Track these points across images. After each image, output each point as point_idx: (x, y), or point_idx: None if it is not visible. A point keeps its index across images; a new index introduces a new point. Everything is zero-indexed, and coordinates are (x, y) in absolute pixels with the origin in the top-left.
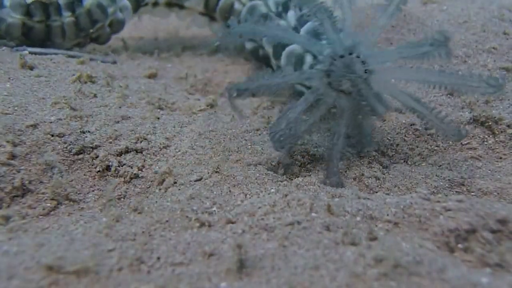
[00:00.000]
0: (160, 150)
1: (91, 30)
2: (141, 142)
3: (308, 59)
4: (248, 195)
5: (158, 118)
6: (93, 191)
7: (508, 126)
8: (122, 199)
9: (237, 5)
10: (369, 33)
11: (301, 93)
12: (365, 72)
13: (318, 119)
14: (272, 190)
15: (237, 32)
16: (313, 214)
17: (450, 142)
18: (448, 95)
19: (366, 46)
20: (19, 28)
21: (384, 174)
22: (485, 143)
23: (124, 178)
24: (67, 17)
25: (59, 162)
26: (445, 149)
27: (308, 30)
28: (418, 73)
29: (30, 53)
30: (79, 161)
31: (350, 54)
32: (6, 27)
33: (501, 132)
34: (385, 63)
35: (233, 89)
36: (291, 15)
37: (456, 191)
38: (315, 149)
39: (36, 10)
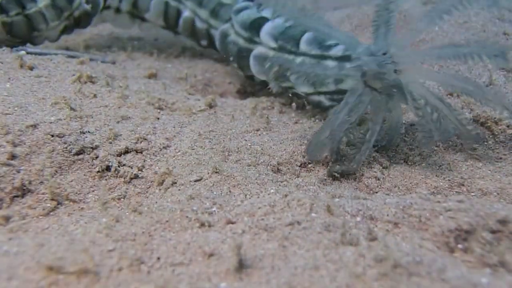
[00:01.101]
0: (160, 150)
1: (71, 9)
2: (141, 142)
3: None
4: (248, 196)
5: (158, 118)
6: (93, 191)
7: (508, 126)
8: (122, 199)
9: (198, 24)
10: (404, 35)
11: (318, 103)
12: (395, 72)
13: (357, 119)
14: (272, 191)
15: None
16: (313, 215)
17: (450, 142)
18: (448, 95)
19: (398, 47)
20: (1, 29)
21: (384, 174)
22: (485, 143)
23: (124, 178)
24: (43, 1)
25: (57, 163)
26: (445, 149)
27: (309, 40)
28: (445, 77)
29: (29, 53)
30: (79, 162)
31: (384, 54)
32: None
33: (501, 132)
34: (418, 63)
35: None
36: (267, 37)
37: (456, 191)
38: None
39: (9, 5)
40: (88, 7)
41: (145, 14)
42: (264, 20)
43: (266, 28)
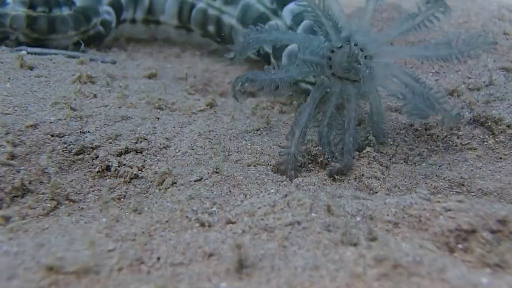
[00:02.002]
0: (160, 150)
1: (88, 26)
2: (141, 142)
3: None
4: (248, 195)
5: (158, 118)
6: (93, 191)
7: (508, 126)
8: (122, 199)
9: (210, 11)
10: (361, 21)
11: (306, 90)
12: (365, 58)
13: (333, 110)
14: (272, 191)
15: (246, 44)
16: (313, 214)
17: (450, 142)
18: (448, 95)
19: (361, 33)
20: (24, 20)
21: (384, 174)
22: (485, 143)
23: (124, 178)
24: (67, 11)
25: (57, 163)
26: (445, 149)
27: (305, 28)
28: (414, 49)
29: (29, 53)
30: (79, 161)
31: (348, 43)
32: (11, 20)
33: (501, 132)
34: (383, 45)
35: (239, 80)
36: (287, 13)
37: (456, 191)
38: (316, 148)
39: (38, 2)
40: (102, 29)
41: (160, 16)
42: None
43: (291, 5)
